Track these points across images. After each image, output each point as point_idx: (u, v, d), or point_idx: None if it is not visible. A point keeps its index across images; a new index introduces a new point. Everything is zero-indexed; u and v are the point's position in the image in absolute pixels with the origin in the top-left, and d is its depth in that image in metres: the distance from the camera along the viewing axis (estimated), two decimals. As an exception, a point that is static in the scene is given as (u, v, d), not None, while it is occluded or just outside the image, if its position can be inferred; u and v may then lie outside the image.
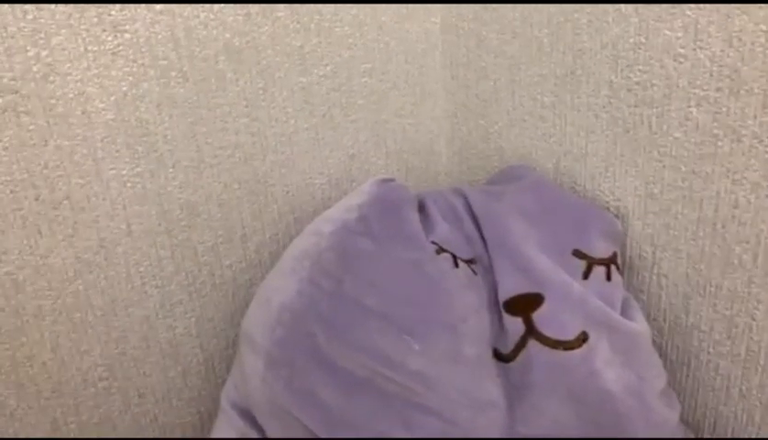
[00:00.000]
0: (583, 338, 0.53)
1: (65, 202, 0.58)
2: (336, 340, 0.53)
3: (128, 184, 0.61)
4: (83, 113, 0.57)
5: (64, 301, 0.60)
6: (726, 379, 0.57)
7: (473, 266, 0.59)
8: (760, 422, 0.55)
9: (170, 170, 0.63)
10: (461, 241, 0.61)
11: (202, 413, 0.72)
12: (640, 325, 0.56)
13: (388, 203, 0.60)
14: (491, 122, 0.72)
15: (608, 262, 0.58)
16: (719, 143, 0.51)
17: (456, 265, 0.57)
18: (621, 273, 0.60)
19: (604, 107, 0.59)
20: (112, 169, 0.60)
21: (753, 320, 0.54)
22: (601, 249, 0.59)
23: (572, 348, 0.53)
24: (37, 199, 0.57)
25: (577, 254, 0.58)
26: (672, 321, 0.60)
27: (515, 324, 0.55)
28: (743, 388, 0.56)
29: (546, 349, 0.53)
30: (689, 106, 0.52)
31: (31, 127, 0.55)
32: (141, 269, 0.64)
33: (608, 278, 0.58)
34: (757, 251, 0.52)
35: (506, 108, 0.70)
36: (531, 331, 0.54)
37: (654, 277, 0.60)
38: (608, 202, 0.62)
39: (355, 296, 0.54)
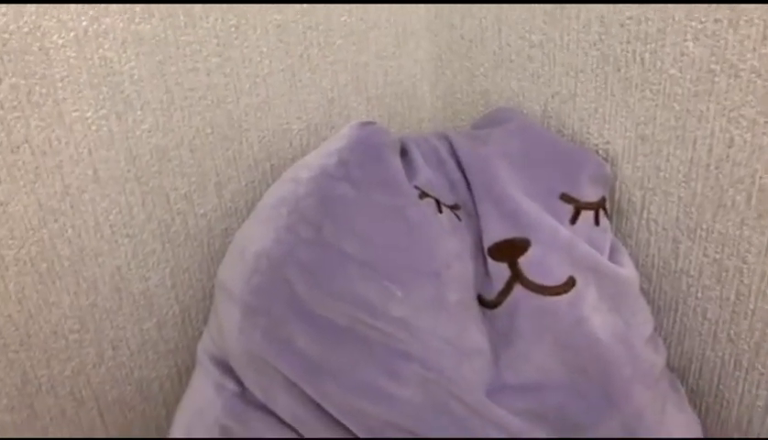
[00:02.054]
0: (570, 283, 0.52)
1: (24, 145, 0.55)
2: (316, 288, 0.51)
3: (93, 127, 0.57)
4: (41, 49, 0.53)
5: (29, 250, 0.57)
6: (714, 323, 0.56)
7: (456, 212, 0.57)
8: (747, 366, 0.55)
9: (138, 112, 0.59)
10: (444, 186, 0.58)
11: (180, 366, 0.70)
12: (628, 271, 0.55)
13: (368, 147, 0.57)
14: (477, 64, 0.69)
15: (597, 207, 0.57)
16: (716, 79, 0.49)
17: (440, 210, 0.55)
18: (609, 218, 0.58)
19: (595, 44, 0.56)
20: (75, 110, 0.56)
21: (744, 263, 0.52)
22: (589, 193, 0.57)
23: (559, 294, 0.51)
24: (-7, 142, 0.53)
25: (565, 198, 0.56)
26: (660, 266, 0.59)
27: (500, 270, 0.53)
28: (731, 332, 0.55)
29: (532, 295, 0.52)
30: (685, 40, 0.50)
31: (-17, 64, 0.51)
32: (110, 217, 0.61)
33: (597, 222, 0.56)
34: (751, 192, 0.50)
35: (492, 48, 0.67)
36: (516, 276, 0.52)
37: (643, 221, 0.58)
38: (596, 145, 0.60)
39: (334, 243, 0.52)
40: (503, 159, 0.58)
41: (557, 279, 0.52)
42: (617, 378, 0.51)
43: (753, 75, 0.47)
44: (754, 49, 0.46)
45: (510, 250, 0.53)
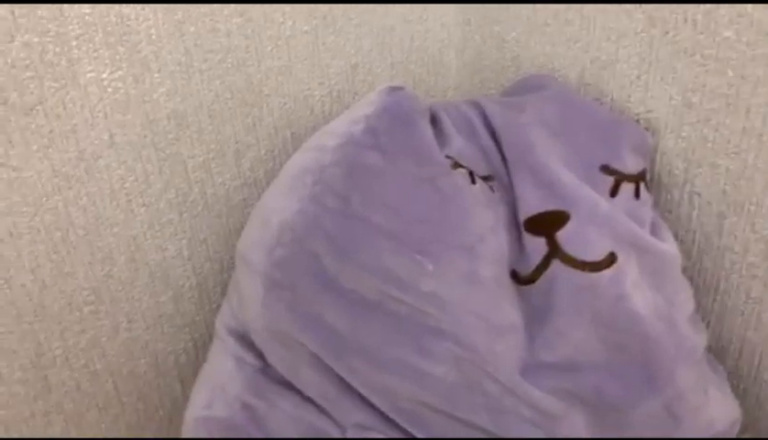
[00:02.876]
0: (611, 259, 0.49)
1: (38, 107, 0.52)
2: (343, 261, 0.49)
3: (109, 89, 0.55)
4: (54, 5, 0.50)
5: (42, 218, 0.55)
6: (758, 303, 0.54)
7: (490, 183, 0.54)
8: (793, 347, 0.52)
9: (156, 74, 0.56)
10: (478, 156, 0.55)
11: (196, 340, 0.68)
12: (670, 247, 0.52)
13: (398, 113, 0.54)
14: (508, 28, 0.66)
15: (637, 179, 0.54)
16: (776, 41, 0.46)
17: (473, 181, 0.52)
18: (650, 191, 0.55)
19: (640, 6, 0.53)
20: (90, 71, 0.53)
21: (796, 240, 0.50)
22: (630, 165, 0.54)
23: (599, 269, 0.49)
24: (5, 103, 0.51)
25: (605, 169, 0.53)
26: (702, 242, 0.56)
27: (537, 244, 0.51)
28: (777, 312, 0.53)
29: (571, 270, 0.49)
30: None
31: (-6, 19, 0.48)
32: (126, 184, 0.58)
33: (637, 195, 0.53)
34: (808, 164, 0.47)
35: (525, 12, 0.63)
36: (555, 251, 0.50)
37: (686, 195, 0.56)
38: (638, 114, 0.57)
39: (363, 214, 0.50)
40: (540, 127, 0.55)
41: (597, 254, 0.49)
42: (659, 357, 0.48)
43: (818, 38, 0.43)
44: (821, 10, 0.43)
45: (548, 223, 0.51)
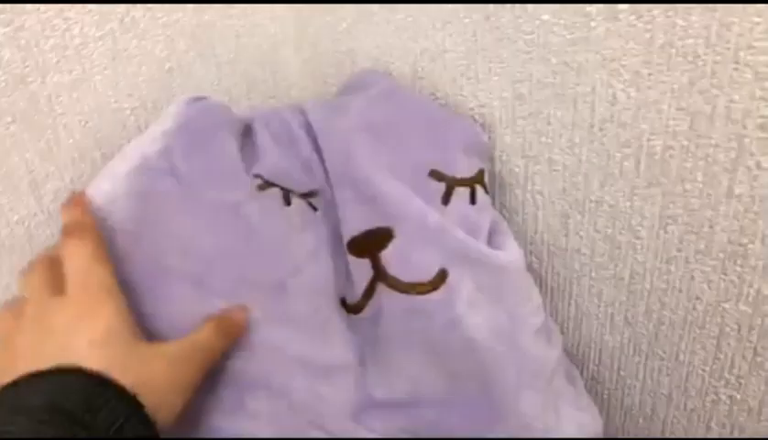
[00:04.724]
0: (441, 278, 0.44)
1: None
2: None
3: None
4: None
5: None
6: (610, 305, 0.50)
7: (312, 200, 0.48)
8: (647, 351, 0.48)
9: None
10: (297, 170, 0.49)
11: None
12: (510, 255, 0.47)
13: (195, 130, 0.47)
14: (339, 18, 0.59)
15: (473, 182, 0.48)
16: (593, 24, 0.41)
17: (288, 202, 0.46)
18: (490, 193, 0.50)
19: (459, -13, 0.47)
20: None
21: (637, 238, 0.45)
22: (464, 167, 0.48)
23: (428, 291, 0.43)
24: None
25: (435, 175, 0.47)
26: (551, 244, 0.51)
27: (362, 267, 0.45)
28: (629, 315, 0.49)
29: (398, 295, 0.43)
30: (555, -23, 0.41)
31: None
32: None
33: (473, 201, 0.48)
34: (639, 157, 0.42)
35: (353, -1, 0.57)
36: (380, 274, 0.44)
37: (529, 195, 0.51)
38: (472, 108, 0.51)
39: (153, 255, 0.42)
40: (364, 131, 0.49)
41: (426, 274, 0.44)
42: (500, 385, 0.44)
43: (633, 17, 0.39)
44: (633, -15, 0.38)
45: (371, 243, 0.45)
